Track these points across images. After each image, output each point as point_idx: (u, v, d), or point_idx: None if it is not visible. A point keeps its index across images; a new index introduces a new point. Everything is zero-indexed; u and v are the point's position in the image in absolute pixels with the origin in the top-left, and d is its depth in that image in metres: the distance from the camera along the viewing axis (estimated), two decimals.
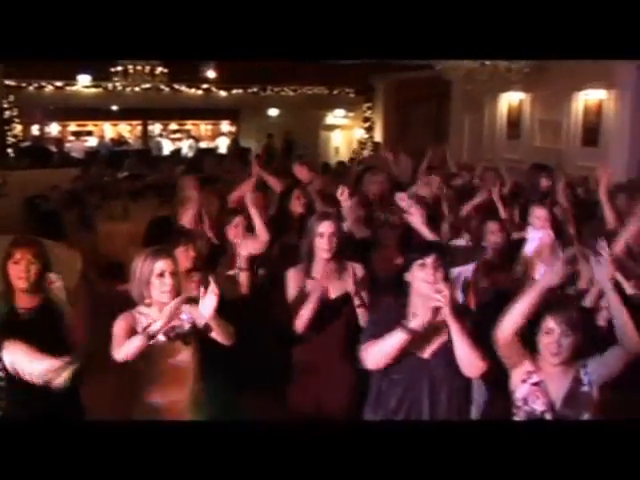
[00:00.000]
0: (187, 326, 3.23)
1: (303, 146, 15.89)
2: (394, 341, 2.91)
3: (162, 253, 3.30)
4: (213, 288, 3.10)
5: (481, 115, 12.67)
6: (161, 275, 3.23)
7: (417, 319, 2.88)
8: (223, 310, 3.18)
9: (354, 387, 3.66)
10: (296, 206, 5.44)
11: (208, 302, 3.08)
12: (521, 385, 2.99)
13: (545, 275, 2.96)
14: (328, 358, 3.78)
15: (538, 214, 4.68)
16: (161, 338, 3.16)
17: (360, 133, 17.02)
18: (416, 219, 4.52)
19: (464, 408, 3.21)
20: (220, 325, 3.20)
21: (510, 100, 12.17)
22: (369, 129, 16.80)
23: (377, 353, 2.99)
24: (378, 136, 16.48)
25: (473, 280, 4.17)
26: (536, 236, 4.46)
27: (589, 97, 10.61)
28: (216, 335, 3.20)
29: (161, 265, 3.24)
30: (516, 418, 3.02)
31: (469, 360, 2.93)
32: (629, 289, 3.96)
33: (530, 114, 11.74)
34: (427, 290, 2.91)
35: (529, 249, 4.40)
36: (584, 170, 8.58)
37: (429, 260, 2.98)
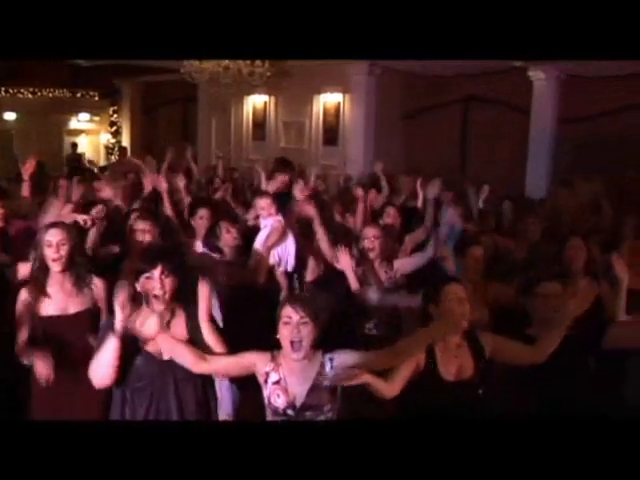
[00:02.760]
0: None
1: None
2: (109, 350, 2.87)
3: None
4: None
5: (228, 117, 12.82)
6: None
7: (116, 317, 2.85)
8: None
9: (104, 402, 3.49)
10: None
11: None
12: (264, 385, 2.98)
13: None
14: (72, 377, 3.49)
15: (262, 204, 4.81)
16: None
17: (107, 138, 16.41)
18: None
19: (210, 403, 3.25)
20: None
21: (255, 103, 12.45)
22: (116, 133, 16.24)
23: (100, 368, 2.93)
24: (126, 141, 16.02)
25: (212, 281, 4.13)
26: (267, 224, 4.60)
27: (328, 100, 11.26)
28: None
29: None
30: (267, 412, 3.01)
31: (213, 342, 3.04)
32: (354, 284, 4.19)
33: (274, 116, 12.13)
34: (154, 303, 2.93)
35: (261, 237, 4.51)
36: (326, 168, 9.15)
37: (156, 272, 2.95)
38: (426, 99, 10.91)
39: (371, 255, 4.43)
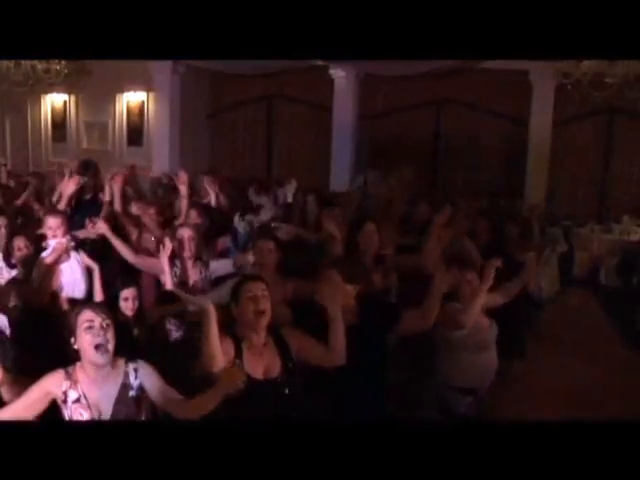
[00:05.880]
0: None
1: None
2: None
3: None
4: None
5: (24, 118, 12.10)
6: None
7: None
8: None
9: None
10: None
11: None
12: (64, 406, 2.76)
13: None
14: None
15: (49, 224, 4.56)
16: None
17: None
18: None
19: None
20: None
21: (54, 102, 11.84)
22: None
23: None
24: None
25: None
26: (51, 245, 4.38)
27: (131, 99, 10.99)
28: None
29: None
30: None
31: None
32: (168, 285, 4.13)
33: (75, 116, 11.64)
34: None
35: (47, 258, 4.26)
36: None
37: None
38: (230, 97, 10.96)
39: (186, 255, 4.39)
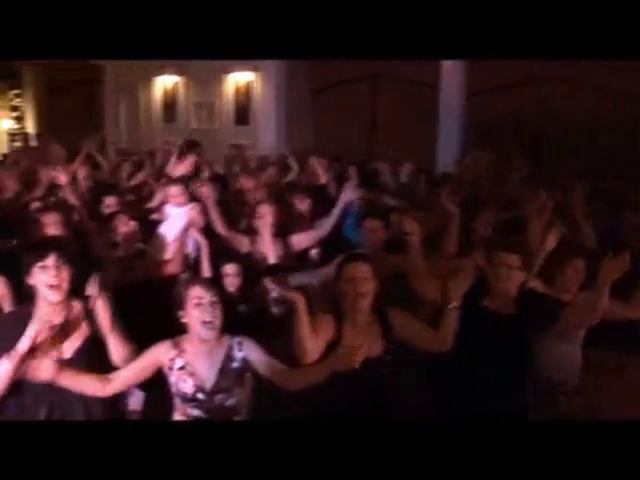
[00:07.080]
0: None
1: None
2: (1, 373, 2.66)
3: None
4: None
5: (136, 99, 12.52)
6: None
7: (24, 339, 2.64)
8: None
9: None
10: None
11: None
12: (170, 372, 2.91)
13: None
14: None
15: (172, 192, 4.73)
16: None
17: (9, 124, 15.52)
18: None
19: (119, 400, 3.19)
20: None
21: (165, 83, 12.21)
22: (19, 119, 15.40)
23: None
24: (29, 126, 15.25)
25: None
26: (180, 213, 4.48)
27: (238, 79, 11.18)
28: None
29: None
30: (176, 402, 2.95)
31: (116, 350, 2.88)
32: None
33: (184, 97, 11.97)
34: (49, 294, 2.76)
35: (175, 226, 4.35)
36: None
37: (49, 261, 2.74)
38: (335, 75, 10.92)
39: (266, 231, 4.38)
